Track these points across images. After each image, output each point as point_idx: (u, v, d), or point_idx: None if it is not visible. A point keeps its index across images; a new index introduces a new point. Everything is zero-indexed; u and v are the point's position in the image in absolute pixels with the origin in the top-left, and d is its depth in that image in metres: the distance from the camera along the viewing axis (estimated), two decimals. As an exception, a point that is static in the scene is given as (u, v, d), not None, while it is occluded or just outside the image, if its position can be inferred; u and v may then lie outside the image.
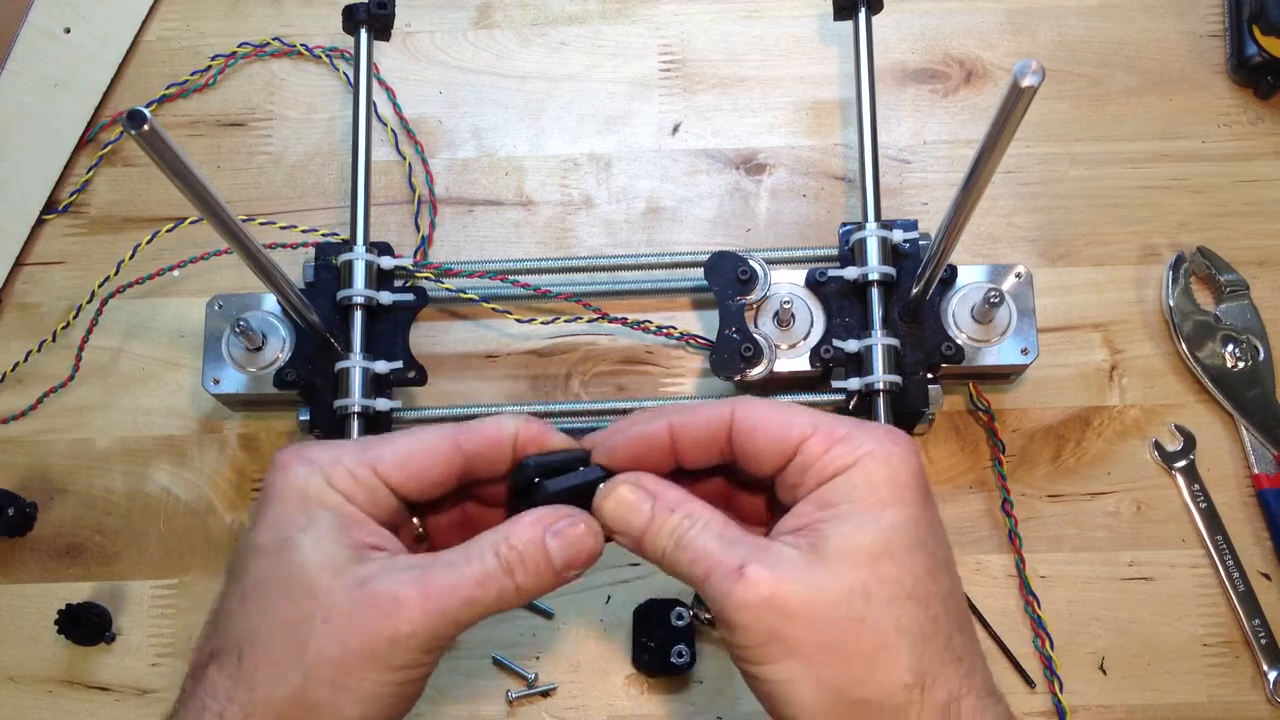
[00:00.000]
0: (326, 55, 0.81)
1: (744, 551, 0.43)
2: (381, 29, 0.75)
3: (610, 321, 0.72)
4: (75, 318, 0.75)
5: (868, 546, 0.43)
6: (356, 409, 0.67)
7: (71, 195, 0.78)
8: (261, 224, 0.75)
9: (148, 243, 0.74)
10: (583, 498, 0.47)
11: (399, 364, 0.69)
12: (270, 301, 0.71)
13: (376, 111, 0.78)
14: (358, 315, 0.69)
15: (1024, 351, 0.68)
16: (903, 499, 0.44)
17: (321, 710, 0.42)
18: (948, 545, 0.46)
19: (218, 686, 0.44)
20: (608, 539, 0.47)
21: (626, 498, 0.46)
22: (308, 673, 0.42)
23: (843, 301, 0.69)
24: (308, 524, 0.44)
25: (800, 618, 0.42)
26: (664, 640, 0.67)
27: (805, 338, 0.69)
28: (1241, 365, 0.72)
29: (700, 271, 0.69)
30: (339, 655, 0.42)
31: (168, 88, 0.80)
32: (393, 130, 0.79)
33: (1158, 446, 0.71)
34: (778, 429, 0.46)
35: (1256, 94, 0.77)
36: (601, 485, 0.47)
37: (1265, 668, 0.67)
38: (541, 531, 0.45)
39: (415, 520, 0.50)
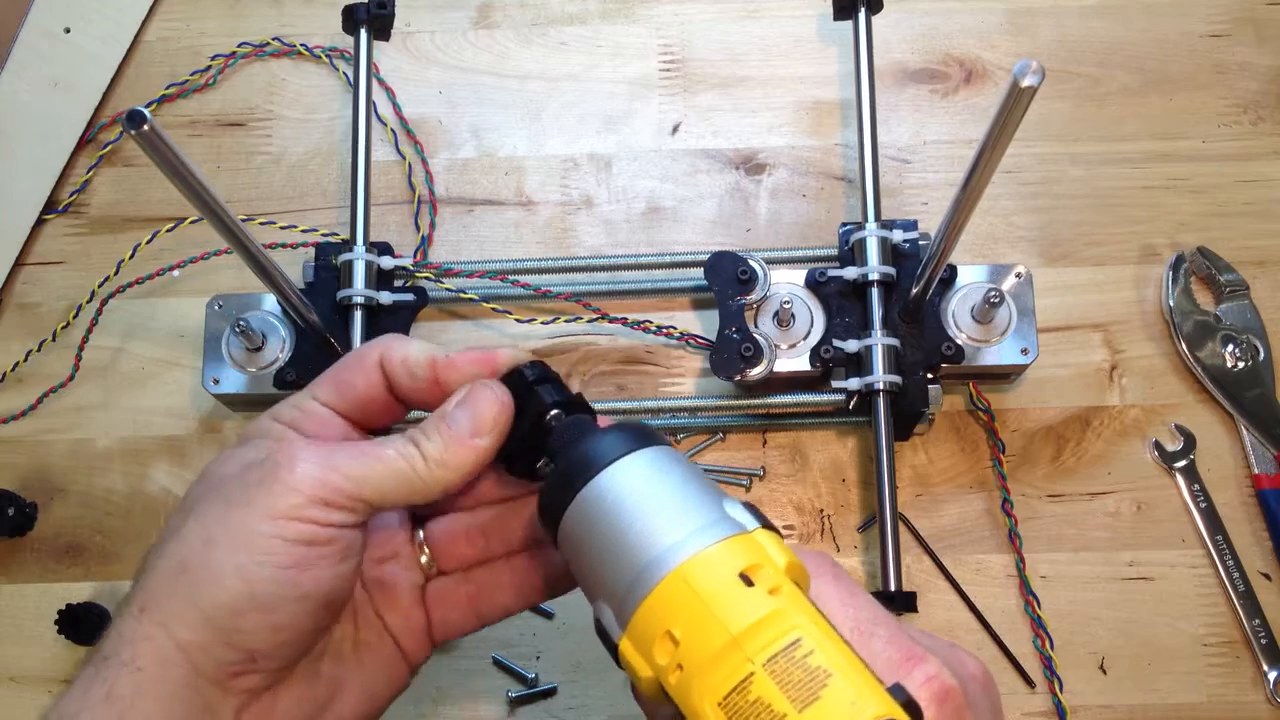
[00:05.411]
0: (326, 55, 0.81)
1: None
2: (381, 29, 0.75)
3: (610, 321, 0.72)
4: (75, 318, 0.75)
5: None
6: (356, 409, 0.67)
7: (71, 195, 0.78)
8: (261, 224, 0.75)
9: (148, 243, 0.74)
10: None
11: (399, 364, 0.69)
12: (270, 301, 0.71)
13: (376, 111, 0.78)
14: (358, 315, 0.69)
15: (1024, 351, 0.68)
16: None
17: (192, 573, 0.40)
18: None
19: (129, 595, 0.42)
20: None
21: None
22: (182, 534, 0.41)
23: (843, 301, 0.69)
24: (239, 446, 0.44)
25: None
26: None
27: (805, 338, 0.69)
28: (1241, 365, 0.72)
29: (700, 271, 0.69)
30: (220, 510, 0.41)
31: (168, 88, 0.80)
32: (393, 130, 0.79)
33: (1158, 446, 0.71)
34: None
35: None
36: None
37: (1265, 668, 0.67)
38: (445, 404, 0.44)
39: (421, 534, 0.48)
